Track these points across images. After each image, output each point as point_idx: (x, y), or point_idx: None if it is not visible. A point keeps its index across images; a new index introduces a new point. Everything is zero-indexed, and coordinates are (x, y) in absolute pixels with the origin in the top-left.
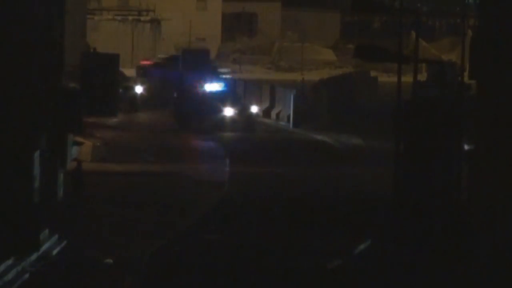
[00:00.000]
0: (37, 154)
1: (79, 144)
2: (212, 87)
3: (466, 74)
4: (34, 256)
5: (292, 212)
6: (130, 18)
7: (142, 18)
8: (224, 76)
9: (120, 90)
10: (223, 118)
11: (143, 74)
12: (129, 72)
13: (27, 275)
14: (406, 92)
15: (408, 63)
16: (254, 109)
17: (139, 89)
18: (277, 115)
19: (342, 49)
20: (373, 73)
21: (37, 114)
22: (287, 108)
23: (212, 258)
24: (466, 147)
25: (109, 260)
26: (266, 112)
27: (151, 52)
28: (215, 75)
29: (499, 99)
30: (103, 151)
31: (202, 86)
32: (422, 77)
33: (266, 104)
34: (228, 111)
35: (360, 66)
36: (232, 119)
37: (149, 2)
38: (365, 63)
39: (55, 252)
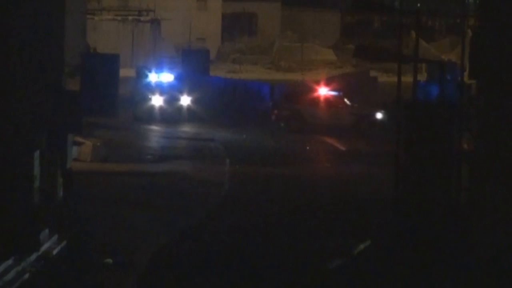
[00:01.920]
0: (37, 154)
1: (79, 144)
2: (324, 91)
3: (466, 74)
4: (34, 256)
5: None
6: (130, 18)
7: (142, 18)
8: None
9: (163, 100)
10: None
11: None
12: (129, 72)
13: (27, 275)
14: (406, 92)
15: (408, 63)
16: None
17: (185, 100)
18: None
19: (342, 49)
20: (373, 73)
21: (37, 114)
22: None
23: (212, 258)
24: (466, 147)
25: (109, 260)
26: None
27: (151, 52)
28: None
29: (499, 99)
30: (103, 151)
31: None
32: (422, 77)
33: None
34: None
35: (360, 66)
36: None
37: (149, 2)
38: (365, 63)
39: (55, 252)
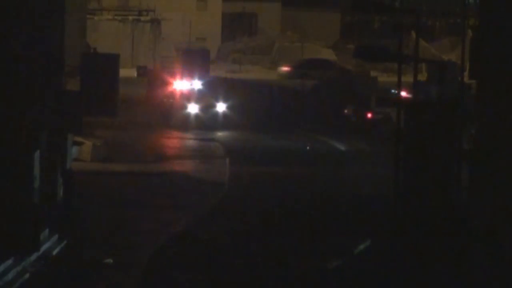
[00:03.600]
0: (37, 154)
1: (79, 144)
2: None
3: (466, 74)
4: (34, 256)
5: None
6: (130, 18)
7: (142, 18)
8: None
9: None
10: None
11: None
12: (129, 72)
13: (27, 275)
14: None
15: (408, 63)
16: None
17: (221, 106)
18: None
19: (342, 49)
20: (373, 73)
21: (37, 114)
22: None
23: (212, 258)
24: (466, 147)
25: (109, 260)
26: None
27: (151, 52)
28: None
29: (499, 99)
30: (103, 151)
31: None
32: (422, 77)
33: None
34: None
35: (360, 66)
36: None
37: (149, 2)
38: (365, 63)
39: (55, 252)
